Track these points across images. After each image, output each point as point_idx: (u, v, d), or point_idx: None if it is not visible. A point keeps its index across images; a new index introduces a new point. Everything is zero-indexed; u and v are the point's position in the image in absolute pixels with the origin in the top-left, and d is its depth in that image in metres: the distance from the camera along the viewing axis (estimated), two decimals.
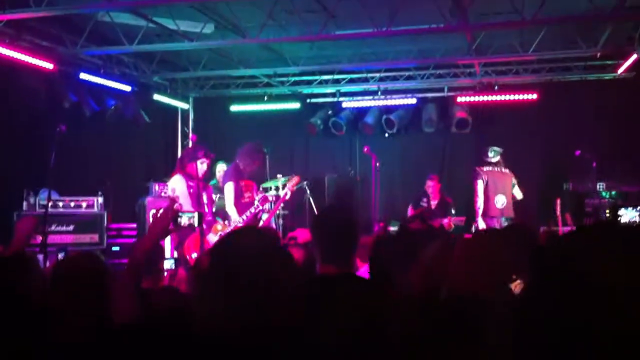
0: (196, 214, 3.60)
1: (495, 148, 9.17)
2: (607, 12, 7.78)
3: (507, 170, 9.22)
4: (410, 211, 9.91)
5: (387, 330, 2.79)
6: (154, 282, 3.74)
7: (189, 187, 6.83)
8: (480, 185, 8.98)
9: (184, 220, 3.21)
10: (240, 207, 7.08)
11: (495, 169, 9.14)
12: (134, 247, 4.12)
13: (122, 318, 2.46)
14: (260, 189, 9.57)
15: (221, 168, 8.91)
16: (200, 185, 6.91)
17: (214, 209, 7.38)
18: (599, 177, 9.73)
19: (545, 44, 9.32)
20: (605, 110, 10.78)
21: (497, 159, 9.18)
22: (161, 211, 2.94)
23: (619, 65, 10.34)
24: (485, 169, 9.10)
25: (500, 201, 9.00)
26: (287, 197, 7.54)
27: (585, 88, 11.08)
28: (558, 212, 9.40)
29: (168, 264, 4.25)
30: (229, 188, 7.05)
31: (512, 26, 8.42)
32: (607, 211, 9.71)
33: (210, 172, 7.27)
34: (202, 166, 6.90)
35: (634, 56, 9.47)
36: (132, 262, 2.76)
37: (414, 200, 10.01)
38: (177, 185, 6.88)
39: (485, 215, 8.93)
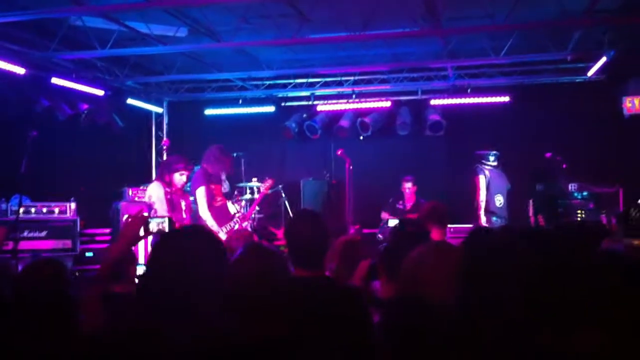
0: (166, 220, 3.58)
1: (495, 152, 9.25)
2: (577, 17, 7.91)
3: (503, 173, 9.30)
4: (383, 216, 9.94)
5: (360, 332, 2.82)
6: (125, 287, 3.72)
7: (166, 193, 6.75)
8: (482, 181, 9.00)
9: (152, 226, 3.19)
10: (213, 211, 7.06)
11: (494, 170, 9.21)
12: (105, 254, 4.09)
13: (88, 325, 2.46)
14: (236, 191, 9.58)
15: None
16: (179, 194, 6.89)
17: (190, 215, 7.34)
18: (570, 178, 9.85)
19: (517, 48, 9.44)
20: (576, 112, 10.93)
21: (496, 163, 9.25)
22: (130, 218, 2.93)
23: (590, 68, 10.49)
24: (486, 167, 9.16)
25: (499, 200, 9.07)
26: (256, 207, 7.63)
27: (557, 90, 11.22)
28: (531, 214, 9.51)
29: (140, 270, 4.21)
30: (201, 193, 7.01)
31: (484, 30, 8.53)
32: (579, 212, 9.84)
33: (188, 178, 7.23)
34: (181, 178, 6.85)
35: (604, 59, 9.62)
36: (101, 269, 2.75)
37: (389, 205, 10.04)
38: (154, 192, 6.83)
39: (485, 211, 8.98)
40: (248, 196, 9.59)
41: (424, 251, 2.19)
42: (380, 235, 9.70)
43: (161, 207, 6.65)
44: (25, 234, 8.61)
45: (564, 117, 11.00)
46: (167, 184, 6.82)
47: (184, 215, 6.89)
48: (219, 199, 7.26)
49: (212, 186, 7.19)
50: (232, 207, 7.53)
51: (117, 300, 2.86)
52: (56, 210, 9.13)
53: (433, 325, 1.48)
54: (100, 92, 10.11)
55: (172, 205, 6.72)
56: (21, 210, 8.23)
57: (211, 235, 2.24)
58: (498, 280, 1.06)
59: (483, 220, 8.89)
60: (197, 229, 2.34)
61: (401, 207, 9.98)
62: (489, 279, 1.07)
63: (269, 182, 7.94)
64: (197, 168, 8.78)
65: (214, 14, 8.01)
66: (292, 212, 9.43)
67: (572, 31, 9.06)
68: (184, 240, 2.13)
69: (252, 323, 1.41)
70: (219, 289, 2.07)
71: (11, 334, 2.47)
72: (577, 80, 11.10)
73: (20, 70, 8.56)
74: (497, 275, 1.06)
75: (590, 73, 10.58)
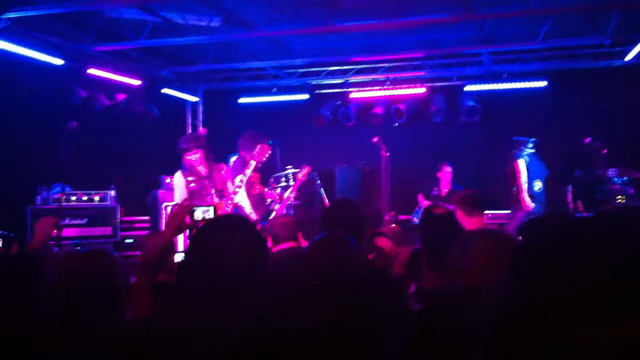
0: (211, 208, 3.62)
1: (534, 139, 9.15)
2: (615, 0, 7.75)
3: (540, 160, 9.21)
4: (420, 199, 9.93)
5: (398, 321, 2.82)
6: (167, 275, 3.78)
7: (187, 182, 6.55)
8: (522, 164, 8.92)
9: (198, 214, 3.23)
10: (251, 199, 7.08)
11: (532, 155, 9.12)
12: (144, 242, 4.14)
13: (140, 313, 2.50)
14: (272, 178, 9.62)
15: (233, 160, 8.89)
16: (201, 177, 6.58)
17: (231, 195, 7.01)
18: (610, 164, 9.70)
19: (554, 32, 9.29)
20: (614, 96, 10.74)
21: (534, 150, 9.16)
22: (176, 207, 2.97)
23: (628, 52, 10.27)
24: (525, 153, 9.07)
25: (537, 185, 9.00)
26: (293, 194, 7.56)
27: (595, 75, 11.02)
28: (569, 200, 9.38)
29: (179, 257, 4.27)
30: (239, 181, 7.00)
31: (519, 15, 8.41)
32: (619, 197, 9.70)
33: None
34: (191, 157, 6.54)
35: None
36: (146, 258, 2.80)
37: (424, 189, 10.03)
38: (174, 181, 6.80)
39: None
40: (283, 183, 9.63)
41: (469, 239, 2.19)
42: (415, 219, 9.71)
43: (179, 197, 6.57)
44: (67, 221, 8.81)
45: (602, 101, 10.80)
46: (188, 170, 6.63)
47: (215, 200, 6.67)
48: (257, 187, 7.28)
49: (251, 174, 7.18)
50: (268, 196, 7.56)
51: (165, 289, 2.91)
52: (96, 198, 9.32)
53: (478, 317, 1.48)
54: (137, 82, 10.22)
55: (192, 194, 6.52)
56: (63, 198, 8.42)
57: (249, 224, 2.26)
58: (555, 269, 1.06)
59: (527, 201, 8.77)
60: (235, 218, 2.36)
61: (436, 193, 9.93)
62: (547, 268, 1.06)
63: (305, 169, 7.93)
64: (232, 156, 8.83)
65: (247, 3, 8.04)
66: (327, 200, 9.44)
67: (611, 15, 8.88)
68: (222, 229, 2.15)
69: (316, 310, 1.43)
70: (259, 277, 2.10)
71: (54, 321, 2.51)
72: (615, 65, 10.87)
73: (58, 62, 8.69)
74: (555, 264, 1.06)
75: (629, 57, 10.35)
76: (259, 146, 6.80)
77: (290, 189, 7.78)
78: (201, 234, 2.21)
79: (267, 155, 6.81)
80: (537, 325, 1.04)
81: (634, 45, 9.83)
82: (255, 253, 2.15)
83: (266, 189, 7.78)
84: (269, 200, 7.58)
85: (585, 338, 1.00)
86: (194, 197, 6.51)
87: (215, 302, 2.03)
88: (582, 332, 1.01)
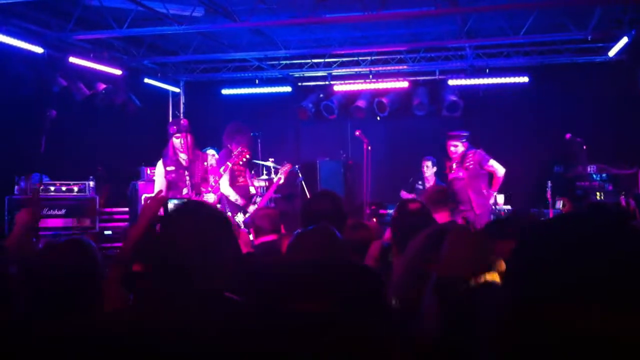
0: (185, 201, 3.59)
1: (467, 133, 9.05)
2: None
3: None
4: (403, 195, 9.92)
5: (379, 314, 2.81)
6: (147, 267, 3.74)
7: (166, 173, 6.56)
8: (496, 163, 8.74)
9: (172, 207, 3.19)
10: (236, 191, 7.06)
11: None
12: (125, 234, 4.11)
13: (111, 306, 2.47)
14: (252, 170, 9.59)
15: (211, 154, 8.83)
16: (180, 167, 6.57)
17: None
18: (589, 160, 9.77)
19: (537, 27, 9.31)
20: (596, 93, 10.80)
21: None
22: (150, 199, 2.92)
23: (610, 48, 10.33)
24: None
25: None
26: (281, 181, 7.56)
27: (577, 71, 11.08)
28: (549, 195, 9.43)
29: None
30: (223, 171, 6.98)
31: (502, 8, 8.42)
32: (598, 194, 9.79)
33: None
34: (177, 141, 6.57)
35: (625, 39, 9.47)
36: (121, 250, 2.76)
37: (408, 184, 10.01)
38: (156, 171, 6.78)
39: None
40: (265, 176, 9.61)
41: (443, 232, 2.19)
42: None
43: (157, 186, 6.55)
44: (44, 211, 8.71)
45: (584, 97, 10.86)
46: (169, 159, 6.61)
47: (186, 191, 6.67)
48: (240, 179, 7.25)
49: (236, 167, 7.13)
50: (252, 189, 7.56)
51: (139, 280, 2.87)
52: (75, 188, 9.21)
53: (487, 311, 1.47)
54: (117, 72, 10.11)
55: (170, 184, 6.54)
56: (41, 188, 8.32)
57: (215, 209, 2.22)
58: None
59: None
60: (200, 204, 2.32)
61: (421, 187, 9.93)
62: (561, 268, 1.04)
63: (286, 167, 7.90)
64: (209, 149, 8.78)
65: None
66: (309, 193, 9.43)
67: (593, 10, 8.91)
68: (190, 215, 2.12)
69: (308, 301, 1.40)
70: (230, 262, 2.07)
71: (31, 312, 2.48)
72: (597, 60, 10.94)
73: (38, 50, 8.57)
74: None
75: (611, 53, 10.40)
76: (239, 148, 6.81)
77: (272, 183, 7.79)
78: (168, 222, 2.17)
79: (244, 160, 6.84)
80: (536, 319, 1.02)
81: (616, 41, 9.87)
82: (223, 238, 2.10)
83: (253, 183, 7.78)
84: (251, 192, 7.56)
85: (584, 333, 0.98)
86: (171, 188, 6.50)
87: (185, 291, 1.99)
88: (580, 329, 0.99)
